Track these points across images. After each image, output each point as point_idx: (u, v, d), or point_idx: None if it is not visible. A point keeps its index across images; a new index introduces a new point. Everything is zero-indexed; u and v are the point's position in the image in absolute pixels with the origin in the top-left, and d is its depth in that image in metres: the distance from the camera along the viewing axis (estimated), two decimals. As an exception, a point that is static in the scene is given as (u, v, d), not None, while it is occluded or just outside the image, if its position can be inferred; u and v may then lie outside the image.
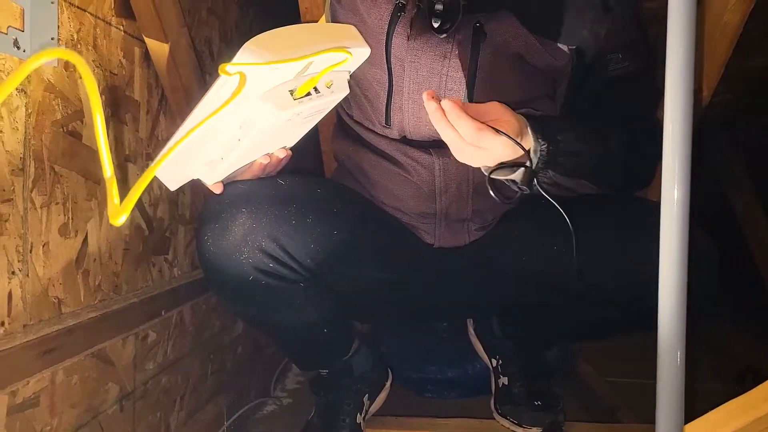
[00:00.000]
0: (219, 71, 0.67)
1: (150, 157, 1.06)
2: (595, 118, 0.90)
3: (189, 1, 1.20)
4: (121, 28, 0.96)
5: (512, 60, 0.88)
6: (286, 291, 0.86)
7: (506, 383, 1.15)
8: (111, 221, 0.47)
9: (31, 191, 0.76)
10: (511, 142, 0.72)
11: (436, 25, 0.85)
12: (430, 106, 0.73)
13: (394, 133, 0.96)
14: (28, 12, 0.74)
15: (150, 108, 1.07)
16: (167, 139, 1.12)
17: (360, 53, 0.83)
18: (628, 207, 0.91)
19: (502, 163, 0.76)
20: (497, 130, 0.71)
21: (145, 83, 1.04)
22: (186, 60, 1.08)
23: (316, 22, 0.97)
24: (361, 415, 1.10)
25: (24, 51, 0.74)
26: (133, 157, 1.01)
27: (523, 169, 0.77)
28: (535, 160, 0.78)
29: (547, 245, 0.90)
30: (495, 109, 0.75)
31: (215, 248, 0.81)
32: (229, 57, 1.44)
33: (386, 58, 0.90)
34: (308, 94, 0.76)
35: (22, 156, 0.75)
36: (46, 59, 0.43)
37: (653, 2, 1.51)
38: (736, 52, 1.02)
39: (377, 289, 1.00)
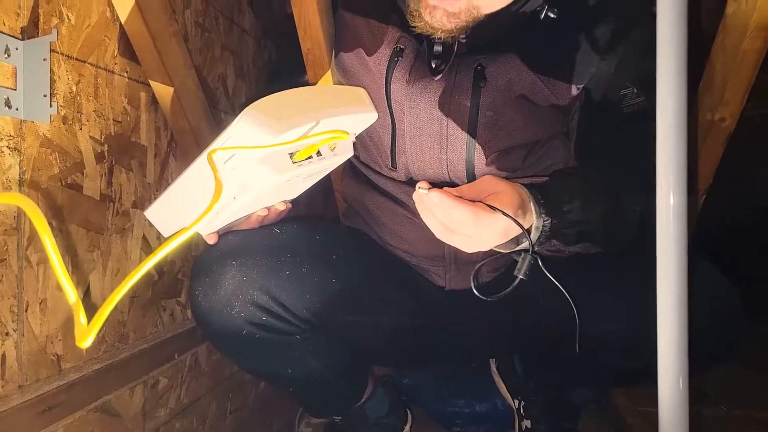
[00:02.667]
0: (207, 159, 0.65)
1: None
2: (610, 158, 0.84)
3: (201, 40, 1.20)
4: (125, 74, 0.96)
5: (517, 102, 0.83)
6: (283, 344, 0.83)
7: (529, 426, 1.09)
8: (78, 344, 0.46)
9: (27, 249, 0.75)
10: (510, 214, 0.67)
11: (433, 65, 0.82)
12: (419, 198, 0.69)
13: (400, 176, 0.92)
14: (21, 70, 0.74)
15: (158, 151, 1.06)
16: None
17: (366, 118, 0.80)
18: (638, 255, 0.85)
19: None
20: (492, 207, 0.66)
21: (152, 127, 1.04)
22: (194, 102, 1.07)
23: (319, 62, 0.94)
24: (378, 461, 1.06)
25: (17, 109, 0.74)
26: (141, 203, 1.00)
27: (525, 242, 0.72)
28: (536, 236, 0.73)
29: (557, 291, 0.84)
30: (489, 184, 0.71)
31: (206, 303, 0.79)
32: (246, 92, 1.44)
33: (387, 102, 0.87)
34: (309, 157, 0.73)
35: (15, 215, 0.74)
36: None
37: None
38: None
39: (387, 335, 0.96)
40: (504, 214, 0.66)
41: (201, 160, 0.71)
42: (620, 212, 0.80)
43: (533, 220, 0.73)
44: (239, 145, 0.67)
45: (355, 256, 0.92)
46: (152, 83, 1.01)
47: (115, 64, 0.93)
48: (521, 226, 0.68)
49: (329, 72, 0.96)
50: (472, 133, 0.85)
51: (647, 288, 0.68)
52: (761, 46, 0.89)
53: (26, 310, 0.76)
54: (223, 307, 0.78)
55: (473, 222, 0.66)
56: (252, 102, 1.16)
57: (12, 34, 0.73)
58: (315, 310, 0.83)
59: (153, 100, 1.03)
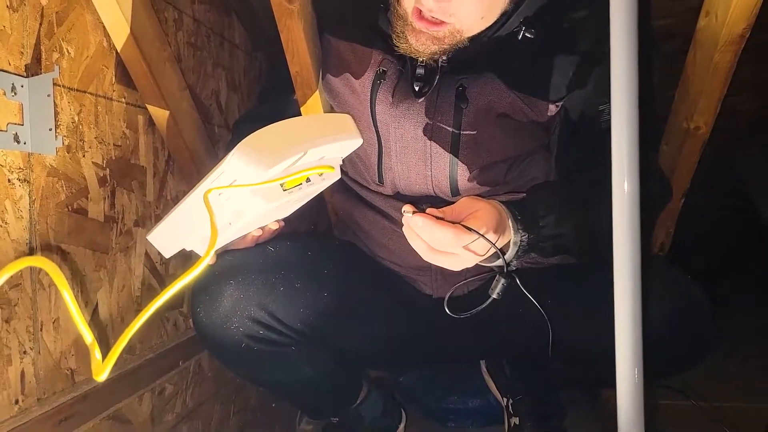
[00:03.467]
0: (204, 200, 0.70)
1: (160, 219, 1.11)
2: (589, 172, 0.89)
3: (193, 59, 1.25)
4: (123, 100, 1.01)
5: (497, 119, 0.88)
6: (279, 354, 0.89)
7: (517, 423, 1.15)
8: (95, 377, 0.51)
9: (39, 273, 0.81)
10: (485, 235, 0.72)
11: (416, 88, 0.87)
12: (406, 221, 0.73)
13: (387, 190, 0.98)
14: (27, 107, 0.79)
15: (157, 171, 1.11)
16: (176, 198, 1.17)
17: (352, 144, 0.84)
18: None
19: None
20: (468, 228, 0.70)
21: (150, 148, 1.09)
22: (188, 122, 1.12)
23: (307, 83, 0.99)
24: (375, 460, 1.12)
25: (25, 143, 0.79)
26: (142, 221, 1.06)
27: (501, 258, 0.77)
28: (514, 251, 0.77)
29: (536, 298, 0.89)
30: (468, 205, 0.75)
31: (207, 319, 0.85)
32: (239, 104, 1.48)
33: (373, 122, 0.92)
34: (299, 184, 0.78)
35: (28, 242, 0.79)
36: (13, 271, 0.50)
37: (664, 20, 1.49)
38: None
39: (379, 343, 1.02)
40: (480, 235, 0.71)
41: (198, 192, 0.76)
42: (595, 225, 0.84)
43: (511, 236, 0.78)
44: (233, 178, 0.72)
45: (346, 269, 0.97)
46: (149, 106, 1.05)
47: (113, 91, 0.98)
48: (495, 247, 0.73)
49: (317, 92, 1.02)
50: (454, 150, 0.90)
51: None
52: (731, 58, 0.94)
53: (41, 329, 0.81)
54: (222, 322, 0.84)
55: (455, 242, 0.71)
56: (243, 117, 1.21)
57: (17, 73, 0.78)
58: (308, 323, 0.89)
59: (150, 123, 1.08)
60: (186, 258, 1.20)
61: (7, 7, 0.75)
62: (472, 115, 0.88)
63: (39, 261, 0.52)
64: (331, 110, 1.07)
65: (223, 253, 0.89)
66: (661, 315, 0.82)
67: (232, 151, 0.70)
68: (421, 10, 0.78)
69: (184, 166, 1.16)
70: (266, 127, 0.73)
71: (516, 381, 1.19)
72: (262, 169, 0.70)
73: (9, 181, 0.76)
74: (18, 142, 0.78)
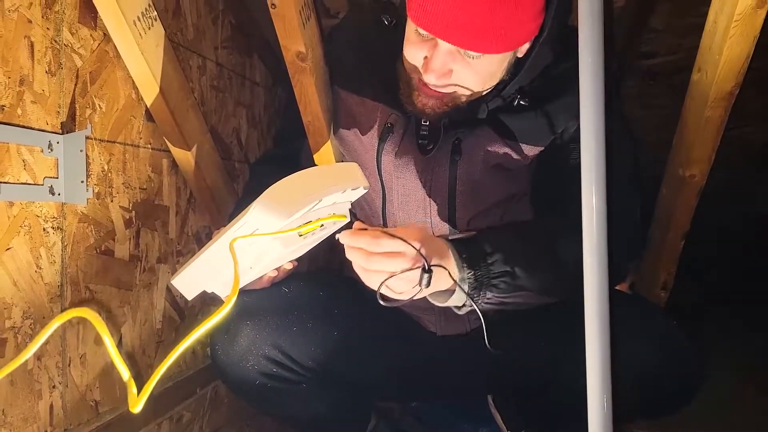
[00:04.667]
0: (229, 248, 0.75)
1: (181, 254, 1.18)
2: (561, 209, 0.90)
3: (216, 101, 1.32)
4: (149, 146, 1.08)
5: (489, 168, 0.95)
6: (291, 391, 0.95)
7: (522, 457, 1.19)
8: (131, 409, 0.57)
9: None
10: (414, 243, 0.74)
11: (421, 144, 0.93)
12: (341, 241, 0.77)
13: None
14: (61, 161, 0.87)
15: (179, 209, 1.18)
16: (197, 234, 1.24)
17: (360, 191, 0.90)
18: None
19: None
20: (392, 235, 0.74)
21: (173, 188, 1.16)
22: (209, 163, 1.19)
23: (319, 132, 1.06)
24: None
25: (59, 195, 0.86)
26: (164, 257, 1.13)
27: (461, 294, 0.80)
28: (465, 287, 0.80)
29: (531, 342, 0.94)
30: (407, 228, 0.78)
31: (225, 357, 0.91)
32: (258, 139, 1.55)
33: (378, 172, 0.98)
34: (314, 230, 0.84)
35: (59, 284, 0.87)
36: (61, 321, 0.56)
37: (674, 55, 1.54)
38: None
39: (386, 378, 1.07)
40: (403, 240, 0.74)
41: (221, 241, 0.82)
42: (558, 262, 0.86)
43: (456, 273, 0.80)
44: (255, 227, 0.79)
45: (355, 308, 1.03)
46: (172, 150, 1.13)
47: (140, 138, 1.06)
48: (423, 256, 0.74)
49: (329, 140, 1.08)
50: (451, 199, 0.96)
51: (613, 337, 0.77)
52: (722, 114, 0.99)
53: (69, 365, 0.88)
54: (239, 360, 0.91)
55: (375, 243, 0.74)
56: (261, 159, 1.27)
57: (53, 131, 0.86)
58: (320, 361, 0.95)
59: (173, 164, 1.16)
60: (205, 294, 1.28)
61: (47, 72, 0.83)
62: (466, 166, 0.95)
63: (83, 312, 0.59)
64: (342, 156, 1.13)
65: (241, 294, 0.95)
66: (647, 358, 0.87)
67: (254, 203, 0.77)
68: None
69: (205, 203, 1.23)
70: (283, 179, 0.79)
71: (520, 415, 1.23)
72: (282, 218, 0.77)
73: (44, 230, 0.84)
74: (53, 194, 0.85)
